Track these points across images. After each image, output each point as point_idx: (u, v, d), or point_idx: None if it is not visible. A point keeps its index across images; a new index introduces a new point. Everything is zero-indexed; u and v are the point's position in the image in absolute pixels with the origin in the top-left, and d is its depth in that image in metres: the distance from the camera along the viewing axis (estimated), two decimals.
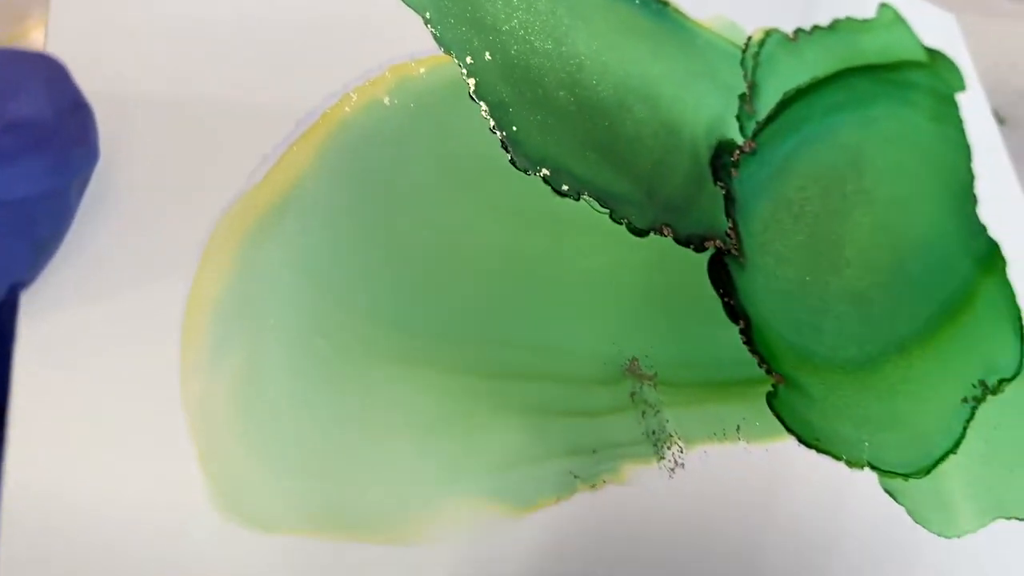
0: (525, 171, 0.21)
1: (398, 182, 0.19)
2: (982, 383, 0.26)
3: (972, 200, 0.31)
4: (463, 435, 0.18)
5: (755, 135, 0.25)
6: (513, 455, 0.18)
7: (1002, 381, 0.27)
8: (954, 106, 0.33)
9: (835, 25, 0.30)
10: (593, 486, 0.19)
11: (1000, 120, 0.43)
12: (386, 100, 0.20)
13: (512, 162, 0.21)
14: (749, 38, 0.27)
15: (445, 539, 0.17)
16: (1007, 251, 0.29)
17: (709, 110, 0.25)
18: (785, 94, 0.27)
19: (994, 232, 0.31)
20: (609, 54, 0.23)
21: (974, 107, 0.34)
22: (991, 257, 0.30)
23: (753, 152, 0.25)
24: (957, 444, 0.25)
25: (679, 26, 0.26)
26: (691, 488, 0.20)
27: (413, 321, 0.18)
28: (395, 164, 0.19)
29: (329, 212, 0.18)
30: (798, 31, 0.29)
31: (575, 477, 0.19)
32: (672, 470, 0.20)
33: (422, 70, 0.20)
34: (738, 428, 0.21)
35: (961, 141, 0.32)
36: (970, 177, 0.31)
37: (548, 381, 0.19)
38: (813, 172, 0.26)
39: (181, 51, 0.18)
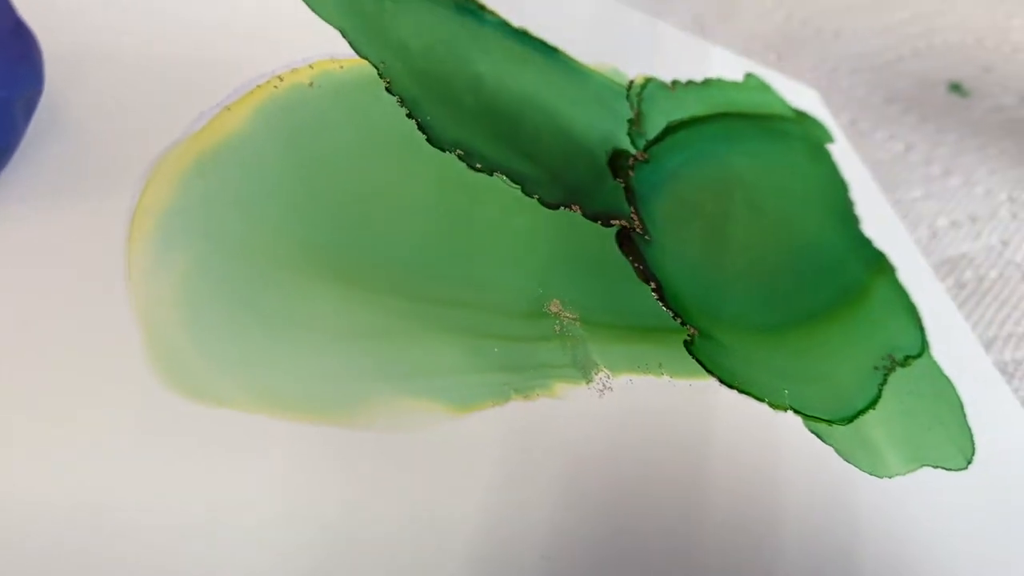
0: (442, 149, 0.23)
1: (325, 141, 0.21)
2: (889, 356, 0.28)
3: (855, 220, 0.34)
4: (398, 345, 0.19)
5: (646, 149, 0.28)
6: (447, 366, 0.19)
7: (908, 357, 0.29)
8: (826, 153, 0.37)
9: (707, 82, 0.35)
10: (527, 397, 0.20)
11: (963, 93, 0.48)
12: (309, 84, 0.22)
13: (429, 141, 0.23)
14: (631, 81, 0.31)
15: (378, 427, 0.18)
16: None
17: (601, 127, 0.28)
18: (669, 123, 0.31)
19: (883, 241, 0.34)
20: (506, 77, 0.27)
21: (845, 163, 0.38)
22: (879, 262, 0.33)
23: (646, 161, 0.28)
24: (874, 403, 0.26)
25: (568, 66, 0.29)
26: (621, 407, 0.21)
27: (347, 248, 0.20)
28: (321, 128, 0.21)
29: (264, 158, 0.20)
30: (675, 82, 0.33)
31: (510, 388, 0.20)
32: (601, 392, 0.21)
33: (341, 67, 0.23)
34: (660, 365, 0.22)
35: (838, 178, 0.36)
36: (850, 203, 0.35)
37: (477, 309, 0.20)
38: (703, 182, 0.29)
39: (129, 4, 0.21)
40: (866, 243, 0.33)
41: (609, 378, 0.21)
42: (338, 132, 0.21)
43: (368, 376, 0.18)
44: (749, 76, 0.38)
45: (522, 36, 0.29)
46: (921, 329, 0.31)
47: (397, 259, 0.20)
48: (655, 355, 0.22)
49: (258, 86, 0.21)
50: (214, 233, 0.18)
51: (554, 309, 0.22)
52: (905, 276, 0.32)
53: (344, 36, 0.24)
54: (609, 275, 0.23)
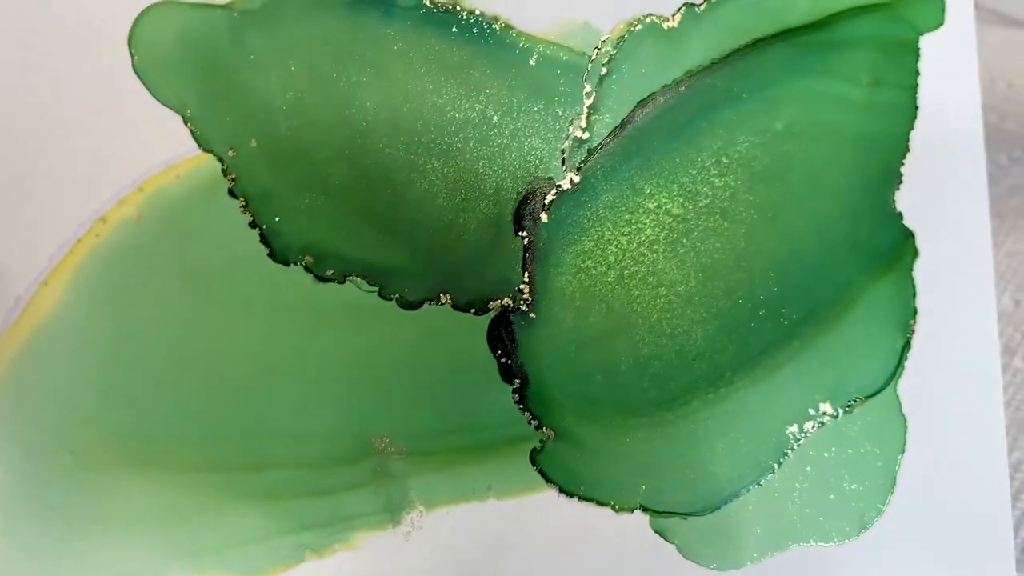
0: (285, 262, 0.23)
1: (145, 300, 0.22)
2: (825, 407, 0.27)
3: (892, 182, 0.28)
4: (194, 522, 0.22)
5: (582, 166, 0.25)
6: (241, 536, 0.22)
7: (854, 401, 0.27)
8: (911, 55, 0.29)
9: None
10: (321, 555, 0.23)
11: None
12: (136, 216, 0.22)
13: (271, 255, 0.23)
14: (601, 43, 0.25)
15: None
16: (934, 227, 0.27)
17: (525, 149, 0.25)
18: (639, 103, 0.26)
19: (921, 214, 0.28)
20: (404, 107, 0.24)
21: (958, 39, 0.30)
22: (895, 252, 0.28)
23: (572, 189, 0.25)
24: (765, 477, 0.26)
25: (505, 48, 0.25)
26: (423, 549, 0.23)
27: (151, 429, 0.22)
28: (143, 283, 0.22)
29: (78, 340, 0.21)
30: (682, 9, 0.26)
31: (305, 548, 0.23)
32: (408, 533, 0.23)
33: (178, 176, 0.22)
34: (489, 487, 0.24)
35: (903, 104, 0.29)
36: (899, 153, 0.28)
37: (283, 468, 0.23)
38: (651, 199, 0.26)
39: None
40: (890, 222, 0.28)
41: (422, 515, 0.24)
42: (161, 282, 0.22)
43: (161, 560, 0.22)
44: None
45: (445, 16, 0.24)
46: (901, 353, 0.28)
47: (205, 431, 0.22)
48: (485, 476, 0.24)
49: (78, 240, 0.22)
50: (28, 440, 0.21)
51: (379, 446, 0.23)
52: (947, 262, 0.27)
53: (187, 121, 0.23)
54: (453, 391, 0.24)
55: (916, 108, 0.28)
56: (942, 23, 0.28)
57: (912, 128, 0.28)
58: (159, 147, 0.22)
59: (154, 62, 0.22)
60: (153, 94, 0.22)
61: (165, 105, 0.22)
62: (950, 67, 0.29)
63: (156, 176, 0.22)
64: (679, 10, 0.26)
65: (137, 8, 0.21)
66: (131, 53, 0.21)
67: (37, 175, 0.21)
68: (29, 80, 0.21)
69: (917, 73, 0.28)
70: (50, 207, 0.21)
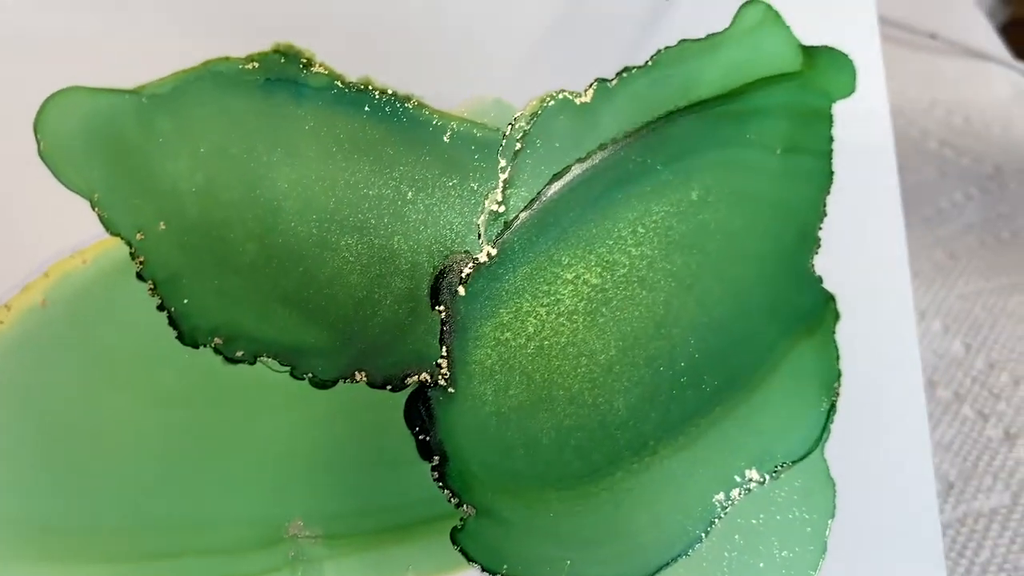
0: (195, 345, 0.22)
1: (51, 389, 0.21)
2: (751, 473, 0.26)
3: (809, 246, 0.29)
4: None
5: (497, 239, 0.25)
6: None
7: (781, 466, 0.27)
8: (823, 123, 0.30)
9: (657, 60, 0.28)
10: None
11: None
12: (42, 303, 0.21)
13: (180, 337, 0.22)
14: (515, 119, 0.26)
15: None
16: (857, 287, 0.28)
17: (440, 224, 0.25)
18: (553, 176, 0.26)
19: (842, 275, 0.29)
20: (316, 186, 0.24)
21: (869, 106, 0.31)
22: (816, 316, 0.28)
23: (490, 263, 0.25)
24: (693, 546, 0.26)
25: (419, 126, 0.25)
26: None
27: (62, 521, 0.21)
28: (49, 371, 0.21)
29: None
30: (594, 84, 0.27)
31: None
32: None
33: (85, 261, 0.22)
34: (409, 567, 0.23)
35: (818, 170, 0.29)
36: (814, 218, 0.29)
37: (198, 556, 0.22)
38: (568, 270, 0.26)
39: None
40: (809, 287, 0.29)
41: None
42: (66, 369, 0.22)
43: None
44: (745, 9, 0.29)
45: (357, 96, 0.25)
46: (827, 416, 0.28)
47: (119, 520, 0.22)
48: (405, 557, 0.23)
49: None
50: None
51: (293, 531, 0.23)
52: (868, 324, 0.28)
53: (94, 206, 0.22)
54: (370, 470, 0.23)
55: (831, 173, 0.29)
56: (854, 91, 0.29)
57: (828, 192, 0.29)
58: (66, 232, 0.21)
59: (60, 148, 0.22)
60: (60, 179, 0.22)
61: (72, 190, 0.22)
62: (863, 126, 0.30)
63: (63, 261, 0.21)
64: (591, 85, 0.26)
65: (42, 94, 0.21)
66: (37, 139, 0.21)
67: None
68: None
69: (831, 139, 0.29)
70: None
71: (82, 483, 0.21)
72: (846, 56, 0.29)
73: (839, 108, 0.29)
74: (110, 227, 0.22)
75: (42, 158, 0.22)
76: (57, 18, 0.24)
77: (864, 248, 0.29)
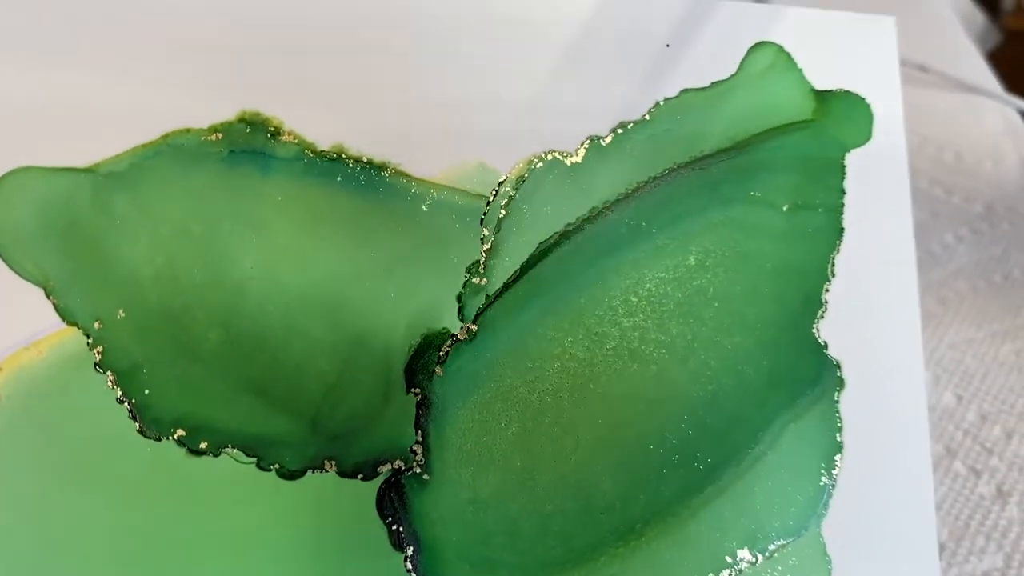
0: (156, 438, 0.21)
1: (4, 490, 0.20)
2: (743, 553, 0.25)
3: (814, 311, 0.27)
4: None
5: (479, 314, 0.24)
6: None
7: (776, 545, 0.26)
8: (835, 174, 0.28)
9: (655, 114, 0.26)
10: None
11: None
12: None
13: (141, 431, 0.21)
14: (499, 184, 0.24)
15: None
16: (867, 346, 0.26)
17: (419, 299, 0.23)
18: (540, 245, 0.24)
19: (851, 337, 0.27)
20: (285, 265, 0.22)
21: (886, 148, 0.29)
22: (818, 385, 0.27)
23: (470, 338, 0.24)
24: None
25: (396, 196, 0.24)
26: None
27: None
28: (6, 476, 0.20)
29: None
30: (587, 142, 0.25)
31: None
32: None
33: (40, 352, 0.21)
34: None
35: (827, 227, 0.27)
36: (821, 281, 0.27)
37: None
38: (554, 344, 0.24)
39: None
40: (812, 354, 0.27)
41: None
42: (21, 468, 0.21)
43: None
44: (755, 53, 0.27)
45: (329, 166, 0.23)
46: (825, 492, 0.27)
47: None
48: None
49: None
50: None
51: None
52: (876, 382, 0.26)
53: (49, 295, 0.21)
54: (342, 562, 0.23)
55: (841, 229, 0.27)
56: (870, 138, 0.27)
57: (836, 252, 0.27)
58: (19, 323, 0.20)
59: (11, 233, 0.20)
60: (11, 267, 0.20)
61: (24, 279, 0.20)
62: (878, 175, 0.28)
63: (17, 354, 0.20)
64: (583, 144, 0.25)
65: None
66: None
67: None
68: None
69: (843, 192, 0.27)
70: None
71: None
72: (863, 100, 0.27)
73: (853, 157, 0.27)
74: (66, 316, 0.21)
75: None
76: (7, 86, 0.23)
77: (874, 303, 0.27)
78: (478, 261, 0.24)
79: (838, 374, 0.26)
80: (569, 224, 0.24)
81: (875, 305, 0.27)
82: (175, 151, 0.21)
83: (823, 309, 0.26)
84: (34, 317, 0.21)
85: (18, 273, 0.21)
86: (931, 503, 0.27)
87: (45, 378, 0.21)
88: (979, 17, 0.62)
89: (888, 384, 0.27)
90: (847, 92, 0.27)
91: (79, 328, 0.21)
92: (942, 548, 0.31)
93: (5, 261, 0.21)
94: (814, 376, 0.26)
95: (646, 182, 0.25)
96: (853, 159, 0.27)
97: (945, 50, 0.39)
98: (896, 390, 0.27)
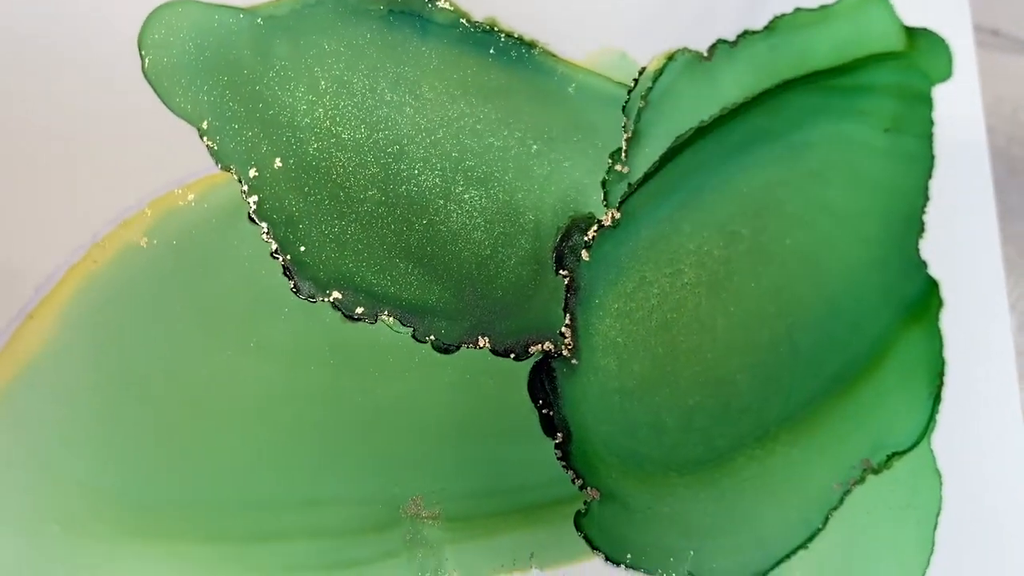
0: (310, 298, 0.20)
1: (149, 341, 0.18)
2: (865, 462, 0.25)
3: (915, 231, 0.27)
4: None
5: (622, 202, 0.23)
6: None
7: (892, 456, 0.25)
8: (925, 105, 0.29)
9: (774, 25, 0.26)
10: None
11: None
12: (143, 242, 0.18)
13: (295, 289, 0.19)
14: (642, 71, 0.24)
15: None
16: (955, 277, 0.26)
17: (565, 181, 0.22)
18: (677, 138, 0.24)
19: (942, 262, 0.27)
20: (441, 130, 0.21)
21: (963, 97, 0.29)
22: (922, 302, 0.27)
23: (615, 225, 0.23)
24: (812, 537, 0.24)
25: (544, 74, 0.23)
26: None
27: (149, 495, 0.18)
28: (147, 320, 0.18)
29: (66, 388, 0.18)
30: (717, 44, 0.25)
31: None
32: None
33: (191, 197, 0.19)
34: (532, 555, 0.21)
35: (921, 153, 0.28)
36: (919, 201, 0.28)
37: (301, 539, 0.19)
38: (691, 239, 0.24)
39: None
40: (916, 270, 0.27)
41: None
42: (170, 318, 0.19)
43: None
44: None
45: (482, 37, 0.22)
46: (933, 406, 0.26)
47: (219, 497, 0.19)
48: (529, 542, 0.21)
49: (71, 268, 0.18)
50: (10, 508, 0.17)
51: (411, 511, 0.20)
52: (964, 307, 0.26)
53: (203, 135, 0.19)
54: (497, 439, 0.21)
55: (933, 157, 0.28)
56: (951, 75, 0.28)
57: (930, 177, 0.27)
58: (170, 163, 0.19)
59: (167, 66, 0.19)
60: (165, 102, 0.19)
61: (178, 115, 0.19)
62: (954, 108, 0.29)
63: (165, 197, 0.19)
64: (714, 46, 0.25)
65: (149, 6, 0.19)
66: (141, 55, 0.19)
67: (25, 189, 0.18)
68: (23, 82, 0.18)
69: (932, 122, 0.28)
70: (39, 227, 0.18)
71: (177, 454, 0.18)
72: (943, 40, 0.28)
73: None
74: (221, 160, 0.19)
75: (146, 77, 0.19)
76: None
77: (958, 239, 0.28)
78: (620, 148, 0.23)
79: (938, 292, 0.26)
80: (703, 121, 0.24)
81: (958, 255, 0.27)
82: (337, 4, 0.20)
83: (922, 229, 0.27)
84: (187, 159, 0.19)
85: (171, 109, 0.19)
86: (1020, 416, 0.27)
87: (195, 225, 0.19)
88: None
89: (974, 327, 0.27)
90: (929, 31, 0.28)
91: (233, 174, 0.19)
92: None
93: (159, 94, 0.19)
94: (918, 292, 0.26)
95: (767, 90, 0.26)
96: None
97: (1016, 15, 0.41)
98: (983, 333, 0.27)
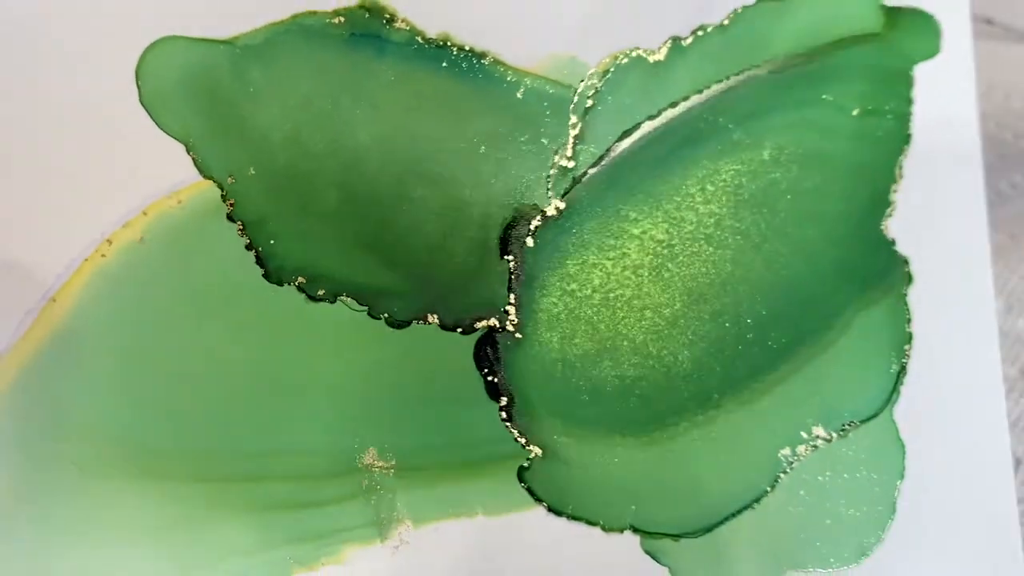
0: (279, 283, 0.24)
1: (148, 318, 0.23)
2: (817, 430, 0.27)
3: (882, 209, 0.29)
4: (186, 534, 0.23)
5: (565, 194, 0.26)
6: (232, 548, 0.23)
7: (848, 425, 0.27)
8: (902, 84, 0.30)
9: (734, 19, 0.28)
10: (310, 568, 0.23)
11: None
12: (140, 240, 0.23)
13: (266, 276, 0.24)
14: (588, 76, 0.27)
15: None
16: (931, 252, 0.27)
17: (510, 178, 0.26)
18: (624, 133, 0.27)
19: (931, 246, 0.28)
20: (396, 138, 0.25)
21: (957, 83, 0.30)
22: (888, 280, 0.28)
23: (557, 215, 0.26)
24: (759, 499, 0.26)
25: (494, 82, 0.26)
26: (411, 564, 0.24)
27: (152, 441, 0.23)
28: (146, 302, 0.23)
29: (85, 355, 0.23)
30: (669, 41, 0.27)
31: (293, 561, 0.23)
32: (396, 547, 0.24)
33: (180, 201, 0.23)
34: (477, 504, 0.24)
35: (894, 133, 0.29)
36: (888, 180, 0.29)
37: (276, 481, 0.23)
38: (636, 225, 0.26)
39: None
40: (882, 249, 0.28)
41: (409, 530, 0.24)
42: (161, 300, 0.23)
43: (152, 573, 0.23)
44: None
45: (436, 52, 0.26)
46: (896, 378, 0.28)
47: (200, 442, 0.23)
48: (474, 493, 0.24)
49: (85, 260, 0.23)
50: (34, 451, 0.22)
51: (368, 461, 0.24)
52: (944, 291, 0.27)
53: (189, 151, 0.24)
54: (445, 400, 0.24)
55: (908, 136, 0.28)
56: (938, 52, 0.29)
57: (903, 155, 0.28)
58: (164, 174, 0.23)
59: (159, 94, 0.23)
60: (158, 124, 0.23)
61: (169, 135, 0.23)
62: (946, 87, 0.29)
63: (160, 201, 0.23)
64: (665, 43, 0.27)
65: (143, 43, 0.23)
66: (138, 85, 0.23)
67: (48, 197, 0.23)
68: (42, 109, 0.22)
69: (910, 101, 0.28)
70: (60, 228, 0.23)
71: (176, 409, 0.23)
72: (930, 16, 0.29)
73: (924, 73, 0.29)
74: (204, 171, 0.23)
75: (143, 104, 0.23)
76: None
77: (943, 217, 0.29)
78: (566, 144, 0.26)
79: (906, 269, 0.27)
80: (650, 115, 0.27)
81: (947, 239, 0.28)
82: (303, 29, 0.24)
83: (891, 208, 0.28)
84: (176, 169, 0.23)
85: (164, 130, 0.23)
86: (1001, 396, 0.28)
87: (183, 224, 0.23)
88: None
89: (956, 284, 0.28)
90: (915, 9, 0.29)
91: (214, 181, 0.23)
92: (1019, 462, 0.32)
93: (153, 119, 0.23)
94: (882, 269, 0.27)
95: (722, 82, 0.27)
96: (923, 99, 0.28)
97: (1009, 4, 0.41)
98: (963, 290, 0.28)
